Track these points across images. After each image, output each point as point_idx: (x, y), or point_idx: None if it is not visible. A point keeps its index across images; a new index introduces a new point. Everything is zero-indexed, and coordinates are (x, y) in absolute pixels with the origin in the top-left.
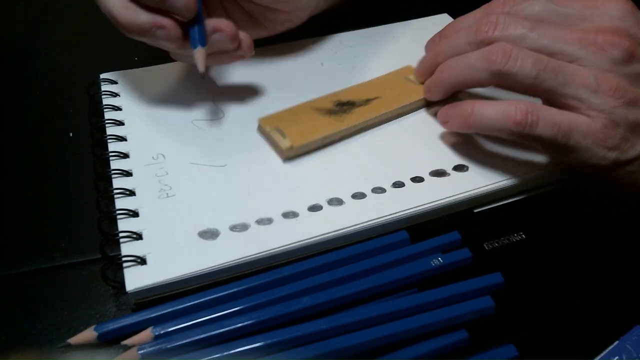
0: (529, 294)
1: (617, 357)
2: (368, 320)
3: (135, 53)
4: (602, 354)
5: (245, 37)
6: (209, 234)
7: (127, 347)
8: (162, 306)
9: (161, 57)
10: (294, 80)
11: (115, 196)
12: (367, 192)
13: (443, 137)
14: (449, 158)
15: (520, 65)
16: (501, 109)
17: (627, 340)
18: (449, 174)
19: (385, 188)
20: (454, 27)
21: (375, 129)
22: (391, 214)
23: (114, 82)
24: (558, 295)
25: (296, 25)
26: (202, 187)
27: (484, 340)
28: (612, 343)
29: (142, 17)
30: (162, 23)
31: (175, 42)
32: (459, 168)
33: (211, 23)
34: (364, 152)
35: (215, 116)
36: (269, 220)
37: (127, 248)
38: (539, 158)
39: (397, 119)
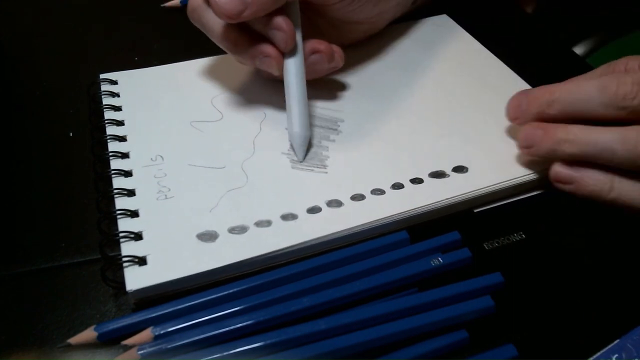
0: (529, 293)
1: (616, 355)
2: (368, 320)
3: (135, 53)
4: (601, 351)
5: (337, 48)
6: (208, 236)
7: (127, 347)
8: (162, 306)
9: (161, 57)
10: None
11: (115, 196)
12: (366, 193)
13: (442, 138)
14: (449, 159)
15: None
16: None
17: (628, 340)
18: (448, 175)
19: (385, 189)
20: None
21: (373, 131)
22: (390, 216)
23: (114, 82)
24: (558, 295)
25: (377, 31)
26: (200, 189)
27: (483, 340)
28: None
29: (245, 47)
30: (266, 52)
31: (277, 70)
32: (458, 169)
33: (309, 45)
34: (363, 153)
35: (214, 118)
36: (268, 223)
37: (127, 248)
38: (539, 159)
39: (396, 120)
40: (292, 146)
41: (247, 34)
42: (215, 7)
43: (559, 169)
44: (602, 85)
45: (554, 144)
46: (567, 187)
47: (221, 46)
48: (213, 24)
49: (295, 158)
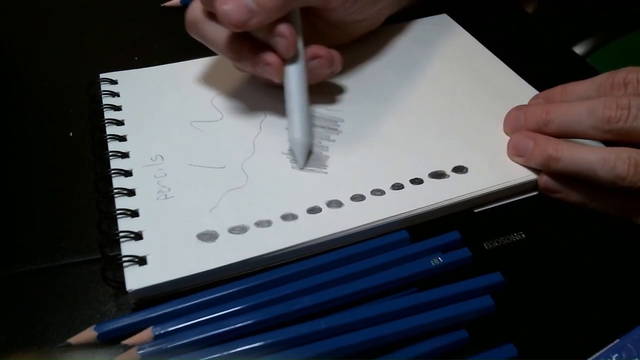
0: (529, 293)
1: (616, 355)
2: (368, 320)
3: (135, 53)
4: (601, 351)
5: (335, 53)
6: (208, 236)
7: (127, 347)
8: (162, 306)
9: (161, 57)
10: None
11: (115, 196)
12: (366, 194)
13: (442, 138)
14: (448, 159)
15: None
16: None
17: (628, 339)
18: (448, 176)
19: (385, 190)
20: (568, 91)
21: (373, 131)
22: (390, 217)
23: (114, 82)
24: (558, 294)
25: (376, 28)
26: (200, 188)
27: (484, 340)
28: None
29: (247, 56)
30: (267, 60)
31: (278, 78)
32: (458, 169)
33: (310, 50)
34: (363, 153)
35: (214, 118)
36: (268, 223)
37: (127, 248)
38: None
39: (396, 121)
40: (292, 152)
41: (248, 42)
42: (223, 16)
43: (547, 180)
44: (590, 108)
45: (544, 160)
46: (554, 195)
47: (223, 56)
48: (214, 35)
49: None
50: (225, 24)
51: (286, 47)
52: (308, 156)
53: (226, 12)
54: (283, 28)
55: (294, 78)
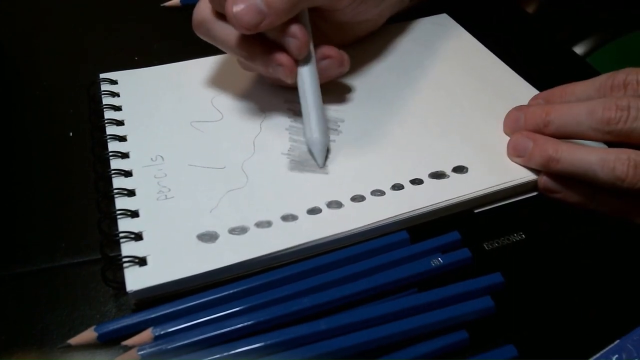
0: (529, 294)
1: (616, 356)
2: (368, 321)
3: (135, 53)
4: (601, 352)
5: (344, 53)
6: (208, 237)
7: (127, 348)
8: (162, 307)
9: (161, 57)
10: None
11: (115, 196)
12: (366, 194)
13: (442, 138)
14: (449, 159)
15: None
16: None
17: (628, 340)
18: (448, 176)
19: (385, 190)
20: (568, 92)
21: (373, 131)
22: (390, 217)
23: (114, 82)
24: (558, 295)
25: (377, 28)
26: (200, 189)
27: (484, 341)
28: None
29: (259, 57)
30: (280, 61)
31: (291, 78)
32: (458, 169)
33: (320, 51)
34: (363, 154)
35: (214, 118)
36: (268, 224)
37: (127, 248)
38: None
39: (396, 121)
40: (310, 152)
41: (260, 43)
42: (233, 19)
43: (547, 180)
44: (590, 109)
45: (544, 161)
46: (553, 196)
47: (234, 55)
48: (225, 35)
49: (295, 159)
50: (236, 26)
51: (299, 47)
52: (326, 155)
53: (237, 14)
54: (295, 29)
55: (308, 78)
